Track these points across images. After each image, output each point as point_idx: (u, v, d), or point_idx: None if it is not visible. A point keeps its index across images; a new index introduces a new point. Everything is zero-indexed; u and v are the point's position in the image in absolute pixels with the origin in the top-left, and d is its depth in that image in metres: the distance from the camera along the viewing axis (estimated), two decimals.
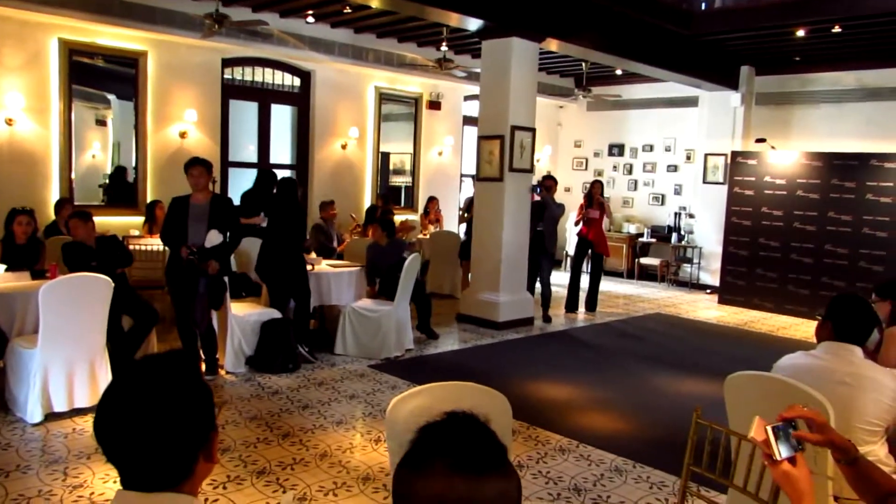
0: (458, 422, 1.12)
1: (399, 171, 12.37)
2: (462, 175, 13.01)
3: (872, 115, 10.45)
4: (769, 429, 1.54)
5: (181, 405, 1.27)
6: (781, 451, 1.53)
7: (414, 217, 11.51)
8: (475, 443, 1.09)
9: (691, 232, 12.19)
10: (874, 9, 8.00)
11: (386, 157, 12.05)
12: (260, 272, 6.68)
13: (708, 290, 11.64)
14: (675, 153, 12.83)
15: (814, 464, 2.71)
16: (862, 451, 2.89)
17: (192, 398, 1.30)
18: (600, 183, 9.62)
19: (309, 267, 6.77)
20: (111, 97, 9.19)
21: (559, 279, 11.38)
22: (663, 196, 13.01)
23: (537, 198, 8.66)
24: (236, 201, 7.54)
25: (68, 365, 4.85)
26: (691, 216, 12.23)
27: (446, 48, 10.05)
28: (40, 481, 3.88)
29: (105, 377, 4.97)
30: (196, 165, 5.68)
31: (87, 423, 4.77)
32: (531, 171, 8.64)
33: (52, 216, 7.79)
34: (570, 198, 13.13)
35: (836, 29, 8.83)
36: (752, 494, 2.52)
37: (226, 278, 5.98)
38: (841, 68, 10.68)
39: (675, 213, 12.43)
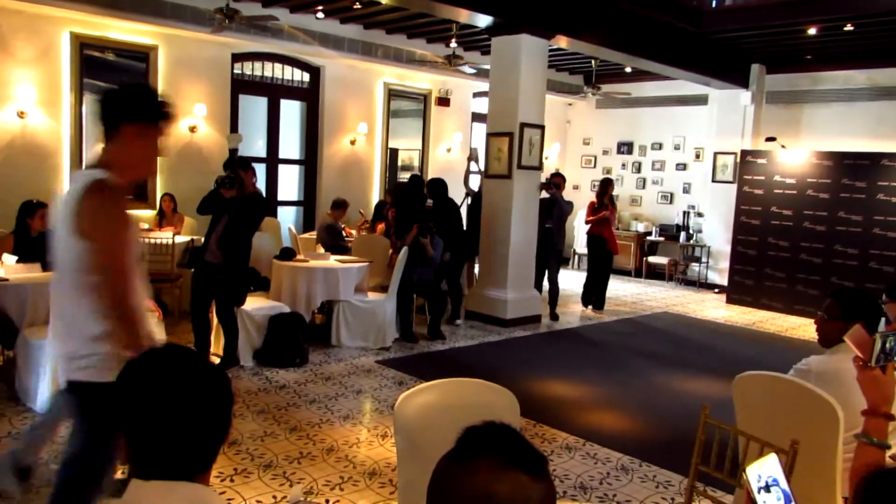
0: (501, 427, 1.13)
1: (407, 168, 12.35)
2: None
3: (884, 114, 10.38)
4: (879, 335, 1.60)
5: (219, 400, 1.36)
6: (879, 358, 1.61)
7: None
8: (523, 445, 1.10)
9: (700, 231, 12.15)
10: (886, 7, 7.93)
11: (394, 153, 12.04)
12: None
13: (716, 290, 11.60)
14: (684, 151, 12.78)
15: None
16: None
17: (227, 396, 1.39)
18: (611, 181, 9.59)
19: (318, 261, 6.79)
20: None
21: (567, 277, 11.37)
22: (672, 194, 12.97)
23: (546, 195, 8.64)
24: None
25: None
26: (700, 215, 12.19)
27: (455, 45, 10.03)
28: (50, 471, 3.90)
29: None
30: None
31: None
32: (540, 168, 8.62)
33: None
34: (579, 195, 13.11)
35: (848, 27, 8.78)
36: None
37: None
38: (852, 67, 10.61)
39: (684, 212, 12.40)
